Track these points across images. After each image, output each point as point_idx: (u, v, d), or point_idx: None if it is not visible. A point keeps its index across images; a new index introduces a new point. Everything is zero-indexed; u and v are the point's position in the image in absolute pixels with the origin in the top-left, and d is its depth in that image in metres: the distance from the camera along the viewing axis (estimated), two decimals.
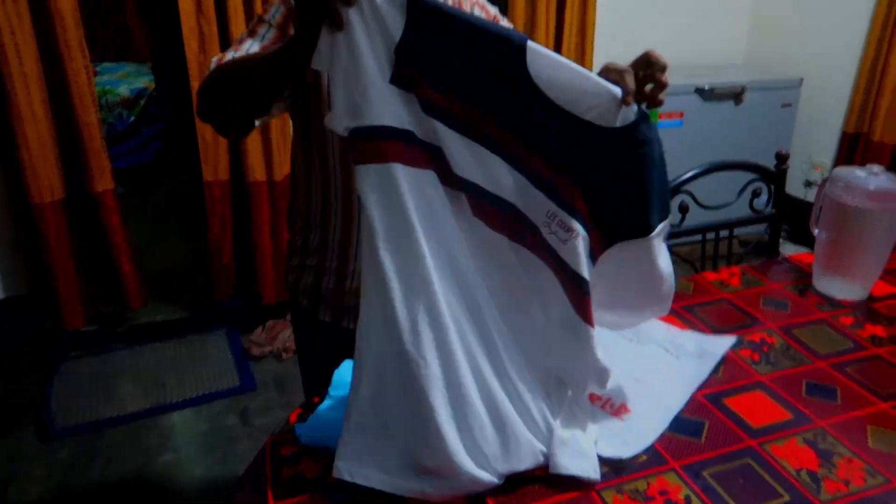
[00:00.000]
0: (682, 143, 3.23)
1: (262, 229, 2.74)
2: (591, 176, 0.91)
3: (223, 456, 2.27)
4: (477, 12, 1.31)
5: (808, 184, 3.50)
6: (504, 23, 1.31)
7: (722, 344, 1.22)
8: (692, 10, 3.54)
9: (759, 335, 1.27)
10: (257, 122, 1.17)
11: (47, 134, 2.31)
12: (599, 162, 0.91)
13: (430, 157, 0.90)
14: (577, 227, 0.91)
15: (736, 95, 3.25)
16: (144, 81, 4.54)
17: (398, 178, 0.87)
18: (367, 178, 0.87)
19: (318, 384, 1.46)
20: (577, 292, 0.93)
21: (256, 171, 2.64)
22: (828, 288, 1.43)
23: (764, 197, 1.66)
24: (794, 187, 3.45)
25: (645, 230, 0.94)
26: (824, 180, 1.41)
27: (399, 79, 0.87)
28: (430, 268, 0.87)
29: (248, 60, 1.07)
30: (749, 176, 1.70)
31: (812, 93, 3.39)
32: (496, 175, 0.92)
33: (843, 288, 1.41)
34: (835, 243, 1.40)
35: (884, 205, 1.32)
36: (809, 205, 1.67)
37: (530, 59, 0.85)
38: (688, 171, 1.63)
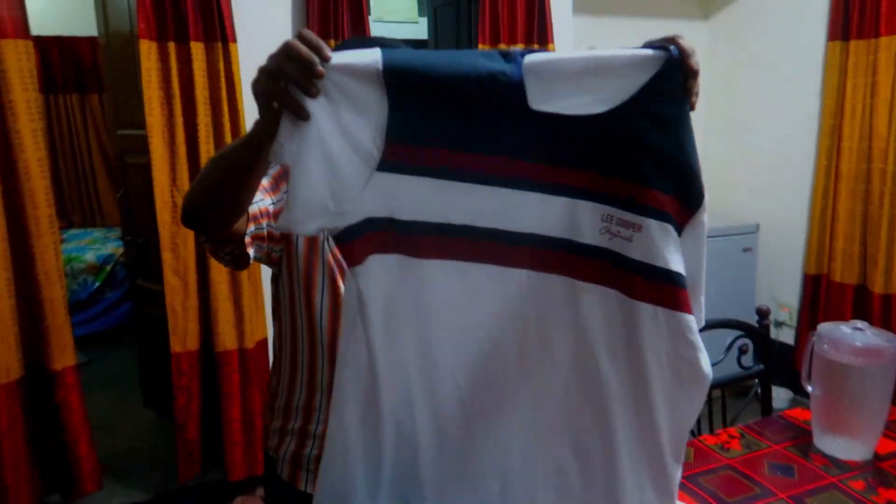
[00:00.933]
0: None
1: (231, 401, 2.61)
2: (637, 161, 0.83)
3: None
4: None
5: (778, 324, 3.54)
6: None
7: None
8: None
9: None
10: (251, 254, 1.12)
11: (8, 313, 2.22)
12: (643, 139, 0.83)
13: (416, 235, 0.84)
14: (643, 218, 0.83)
15: None
16: (112, 247, 4.52)
17: (391, 269, 0.83)
18: (362, 275, 0.83)
19: None
20: (668, 288, 0.85)
21: (227, 339, 2.56)
22: (830, 448, 1.38)
23: (750, 353, 1.65)
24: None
25: (700, 195, 0.86)
26: (813, 336, 1.41)
27: (389, 163, 0.80)
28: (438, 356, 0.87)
29: (224, 149, 1.00)
30: (732, 332, 1.70)
31: (770, 237, 3.52)
32: (508, 210, 0.84)
33: (846, 447, 1.37)
34: (830, 401, 1.37)
35: (873, 360, 1.31)
36: (783, 345, 1.66)
37: (530, 92, 0.79)
38: None
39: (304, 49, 0.76)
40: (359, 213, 0.81)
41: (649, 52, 0.82)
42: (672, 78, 0.81)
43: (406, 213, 0.83)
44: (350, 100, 0.78)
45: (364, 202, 0.81)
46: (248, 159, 0.91)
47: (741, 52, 3.68)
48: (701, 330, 1.64)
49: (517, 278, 0.87)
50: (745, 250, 3.48)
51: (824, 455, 1.38)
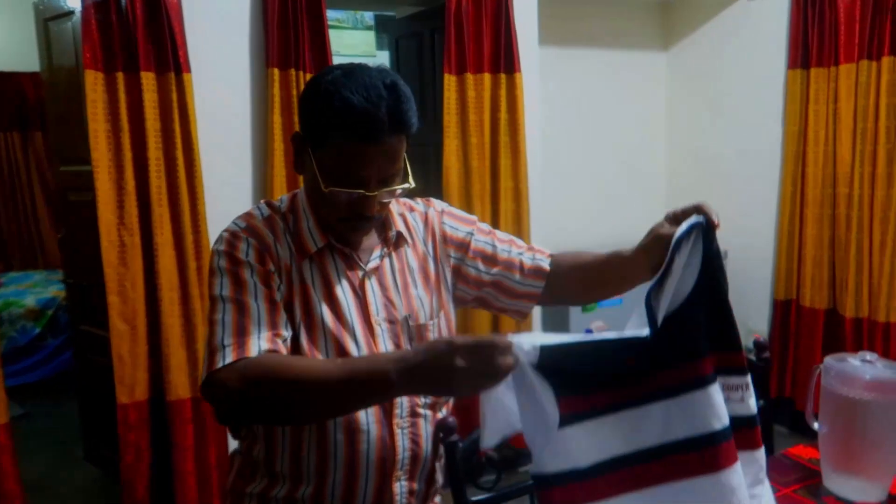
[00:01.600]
0: (624, 321, 3.19)
1: (184, 454, 2.41)
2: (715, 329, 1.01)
3: None
4: (447, 220, 1.27)
5: (749, 350, 3.50)
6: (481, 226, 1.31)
7: None
8: (613, 193, 3.74)
9: None
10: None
11: None
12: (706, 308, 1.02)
13: (595, 477, 0.92)
14: (746, 377, 1.01)
15: None
16: (53, 291, 4.26)
17: None
18: None
19: None
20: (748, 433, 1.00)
21: (180, 387, 2.37)
22: (842, 489, 1.29)
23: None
24: None
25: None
26: (817, 372, 1.32)
27: (563, 420, 0.90)
28: None
29: (322, 381, 0.93)
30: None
31: (738, 264, 3.49)
32: (661, 422, 0.95)
33: (859, 488, 1.27)
34: (840, 438, 1.28)
35: (887, 395, 1.22)
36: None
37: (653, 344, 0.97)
38: None
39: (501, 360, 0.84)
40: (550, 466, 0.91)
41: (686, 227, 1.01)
42: (709, 240, 1.01)
43: (584, 460, 0.92)
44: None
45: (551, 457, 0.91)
46: (365, 405, 1.02)
47: (702, 82, 3.71)
48: None
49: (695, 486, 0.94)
50: None
51: (837, 497, 1.28)
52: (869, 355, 1.27)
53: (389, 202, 1.14)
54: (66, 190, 2.86)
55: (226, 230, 1.11)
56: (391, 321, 1.14)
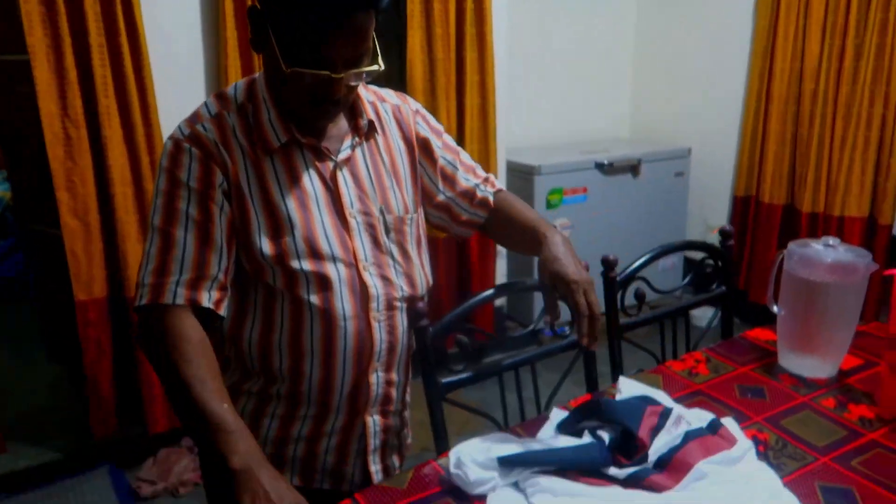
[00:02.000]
0: (588, 218, 3.22)
1: None
2: None
3: None
4: (420, 122, 1.22)
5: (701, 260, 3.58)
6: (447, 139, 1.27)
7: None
8: (578, 90, 3.67)
9: (750, 432, 1.13)
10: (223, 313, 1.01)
11: None
12: None
13: None
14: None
15: (633, 168, 3.30)
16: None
17: None
18: None
19: None
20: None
21: None
22: (796, 367, 1.34)
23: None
24: (690, 252, 3.52)
25: None
26: (780, 257, 1.34)
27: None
28: None
29: (191, 399, 0.89)
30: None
31: (701, 161, 3.52)
32: None
33: (812, 366, 1.33)
34: (798, 320, 1.32)
35: (845, 278, 1.25)
36: (705, 274, 1.62)
37: None
38: (640, 258, 1.52)
39: None
40: None
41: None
42: None
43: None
44: None
45: None
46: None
47: None
48: (666, 252, 1.56)
49: None
50: (678, 175, 3.47)
51: (791, 374, 1.34)
52: (832, 240, 1.29)
53: (357, 86, 1.07)
54: (3, 82, 2.66)
55: (170, 137, 1.02)
56: (366, 213, 1.09)
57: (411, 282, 1.14)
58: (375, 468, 1.18)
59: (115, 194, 2.25)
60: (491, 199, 1.27)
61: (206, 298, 0.97)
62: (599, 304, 1.05)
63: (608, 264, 1.43)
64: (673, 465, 0.98)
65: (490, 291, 1.34)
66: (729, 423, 1.11)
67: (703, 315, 2.93)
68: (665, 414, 1.07)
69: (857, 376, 1.33)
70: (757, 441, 1.11)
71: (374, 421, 1.15)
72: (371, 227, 1.09)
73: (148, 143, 2.27)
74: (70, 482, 2.47)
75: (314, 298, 1.03)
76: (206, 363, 0.92)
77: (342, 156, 1.08)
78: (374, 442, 1.16)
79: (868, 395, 1.26)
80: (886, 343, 1.20)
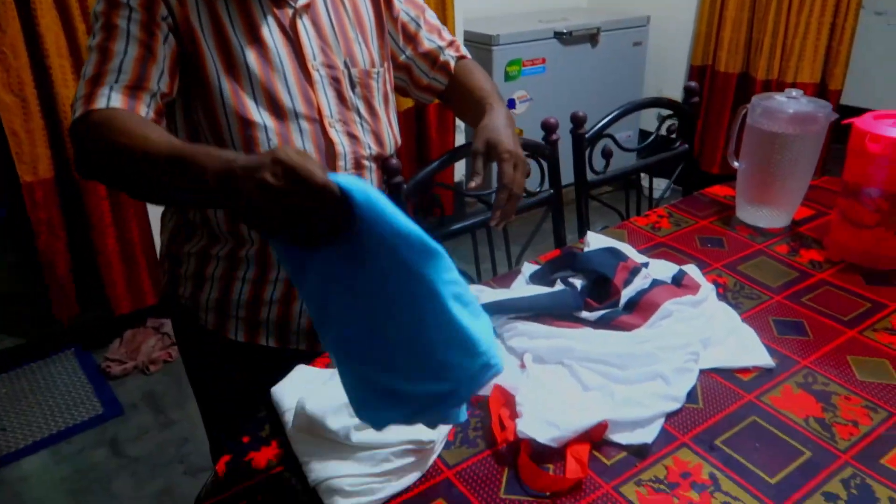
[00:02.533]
0: (546, 90, 3.19)
1: (103, 231, 2.34)
2: None
3: (98, 499, 1.94)
4: None
5: (663, 119, 3.60)
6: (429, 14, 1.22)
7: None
8: None
9: (710, 277, 1.20)
10: None
11: None
12: None
13: None
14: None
15: (592, 37, 3.24)
16: None
17: None
18: None
19: (225, 418, 1.22)
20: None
21: None
22: (753, 218, 1.40)
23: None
24: (648, 123, 3.54)
25: None
26: (742, 112, 1.36)
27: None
28: None
29: (148, 156, 0.78)
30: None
31: (659, 30, 3.47)
32: None
33: (767, 216, 1.39)
34: (757, 172, 1.36)
35: (804, 128, 1.29)
36: (664, 138, 1.65)
37: None
38: (608, 115, 1.52)
39: None
40: None
41: None
42: None
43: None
44: None
45: None
46: (190, 197, 0.84)
47: None
48: (634, 109, 1.56)
49: None
50: (636, 44, 3.43)
51: (748, 225, 1.40)
52: (795, 92, 1.31)
53: None
54: None
55: None
56: (330, 66, 1.04)
57: (379, 140, 1.11)
58: None
59: (51, 66, 2.10)
60: (452, 64, 1.22)
61: (145, 112, 0.89)
62: (524, 187, 1.04)
63: (577, 121, 1.44)
64: (641, 306, 1.03)
65: (451, 152, 1.32)
66: (691, 269, 1.17)
67: (658, 187, 3.00)
68: (635, 271, 1.11)
69: (808, 225, 1.40)
70: (717, 284, 1.17)
71: None
72: (335, 81, 1.04)
73: (81, 7, 2.10)
74: (37, 364, 2.49)
75: None
76: (156, 129, 0.84)
77: (302, 1, 1.01)
78: None
79: (818, 241, 1.33)
80: (841, 190, 1.25)
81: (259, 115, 0.97)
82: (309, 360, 1.02)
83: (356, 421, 0.80)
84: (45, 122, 2.17)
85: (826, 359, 0.99)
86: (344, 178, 0.60)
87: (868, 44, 3.24)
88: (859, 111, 1.27)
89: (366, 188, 0.60)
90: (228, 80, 0.96)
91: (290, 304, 1.12)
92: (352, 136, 1.06)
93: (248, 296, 1.09)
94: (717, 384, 0.95)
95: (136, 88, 0.89)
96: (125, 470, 2.03)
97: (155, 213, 2.49)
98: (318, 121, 1.02)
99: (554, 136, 1.39)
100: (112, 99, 0.86)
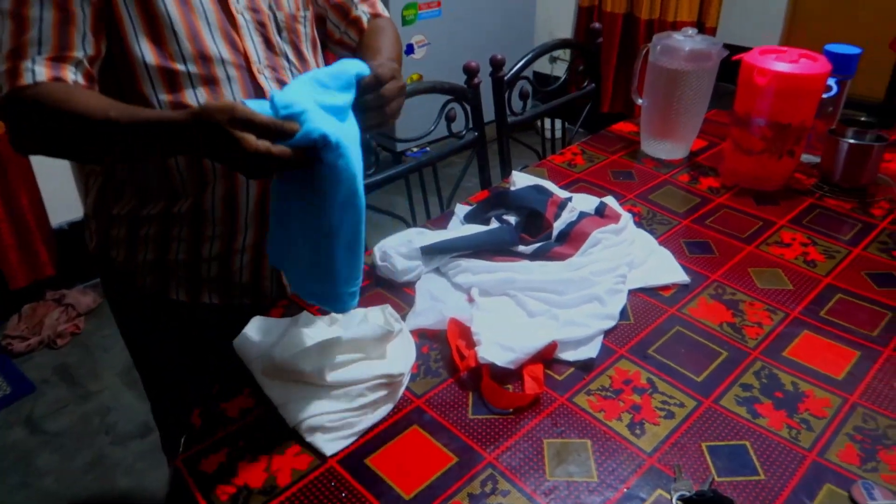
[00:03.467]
0: (443, 33, 3.20)
1: None
2: None
3: (23, 479, 1.87)
4: None
5: (553, 59, 3.72)
6: None
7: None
8: None
9: (626, 207, 1.31)
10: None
11: None
12: None
13: None
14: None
15: None
16: None
17: None
18: None
19: (172, 381, 1.21)
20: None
21: None
22: (656, 151, 1.52)
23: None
24: (539, 64, 3.65)
25: None
26: (644, 51, 1.46)
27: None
28: None
29: (98, 128, 0.78)
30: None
31: None
32: None
33: (669, 149, 1.51)
34: (658, 108, 1.48)
35: (700, 64, 1.40)
36: (556, 79, 1.74)
37: None
38: (524, 57, 1.58)
39: None
40: None
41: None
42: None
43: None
44: None
45: None
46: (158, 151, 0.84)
47: None
48: (546, 51, 1.60)
49: None
50: None
51: (652, 158, 1.52)
52: (690, 31, 1.42)
53: None
54: None
55: None
56: (255, 10, 1.01)
57: None
58: None
59: None
60: (365, 20, 1.18)
61: (73, 80, 0.86)
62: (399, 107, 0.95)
63: (496, 64, 1.49)
64: (572, 237, 1.12)
65: None
66: (610, 200, 1.27)
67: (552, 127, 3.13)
68: (562, 205, 1.20)
69: (704, 155, 1.54)
70: (633, 213, 1.28)
71: None
72: (262, 26, 1.01)
73: None
74: None
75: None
76: (91, 98, 0.84)
77: None
78: None
79: (713, 170, 1.47)
80: (732, 121, 1.39)
81: (185, 65, 0.94)
82: (253, 313, 1.03)
83: (328, 361, 0.85)
84: None
85: (731, 272, 1.13)
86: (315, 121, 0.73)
87: None
88: (732, 47, 1.40)
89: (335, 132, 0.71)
90: (150, 38, 0.92)
91: (231, 258, 1.10)
92: (281, 83, 1.05)
93: (186, 255, 1.07)
94: (644, 302, 1.06)
95: (59, 59, 0.85)
96: (48, 446, 1.96)
97: (45, 179, 2.35)
98: (246, 67, 1.00)
99: (476, 80, 1.44)
100: (37, 73, 0.83)
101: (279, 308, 1.05)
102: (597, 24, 1.73)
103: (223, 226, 1.06)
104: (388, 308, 0.96)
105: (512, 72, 1.55)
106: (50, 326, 2.37)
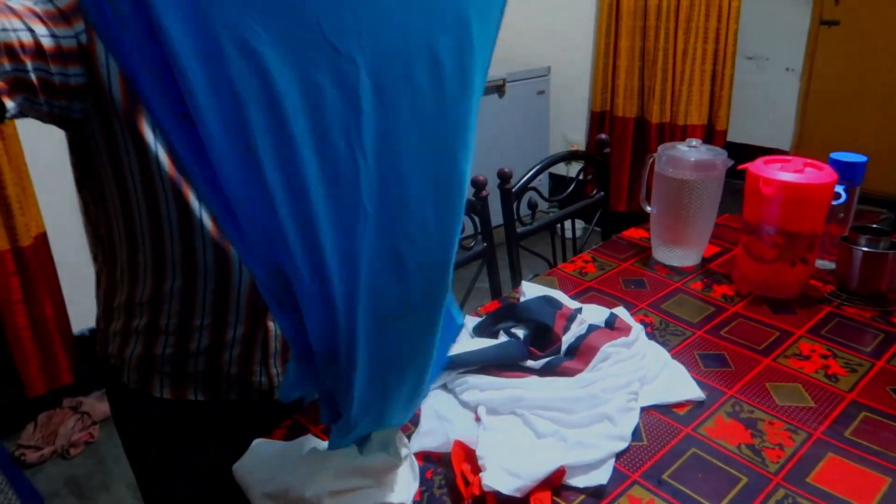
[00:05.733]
0: None
1: (12, 309, 2.22)
2: None
3: None
4: None
5: (569, 162, 3.80)
6: None
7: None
8: None
9: (638, 317, 1.29)
10: (9, 108, 0.79)
11: None
12: None
13: None
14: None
15: (498, 88, 3.40)
16: None
17: None
18: None
19: (164, 488, 1.18)
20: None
21: None
22: (668, 258, 1.51)
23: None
24: (557, 167, 3.72)
25: None
26: (650, 160, 1.48)
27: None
28: None
29: None
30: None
31: (560, 79, 3.68)
32: None
33: (681, 256, 1.50)
34: (668, 216, 1.48)
35: (706, 174, 1.42)
36: (571, 180, 1.77)
37: None
38: (531, 169, 1.62)
39: None
40: None
41: None
42: None
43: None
44: None
45: None
46: None
47: None
48: (554, 162, 1.65)
49: None
50: (539, 93, 3.62)
51: (664, 265, 1.51)
52: (694, 142, 1.44)
53: None
54: None
55: None
56: None
57: None
58: (276, 371, 1.12)
59: None
60: None
61: None
62: None
63: (504, 177, 1.52)
64: (581, 351, 1.10)
65: None
66: (621, 311, 1.25)
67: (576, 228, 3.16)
68: (571, 318, 1.19)
69: (717, 261, 1.53)
70: (645, 324, 1.26)
71: (276, 325, 1.08)
72: None
73: None
74: None
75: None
76: None
77: None
78: (275, 345, 1.10)
79: (727, 276, 1.46)
80: (742, 228, 1.38)
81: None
82: (239, 409, 1.03)
83: (329, 487, 0.82)
84: None
85: (748, 387, 1.09)
86: None
87: (743, 84, 3.56)
88: (743, 147, 1.42)
89: None
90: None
91: (220, 353, 1.06)
92: None
93: (174, 349, 1.03)
94: (658, 420, 1.02)
95: None
96: None
97: (70, 285, 2.39)
98: None
99: (484, 193, 1.47)
100: None
101: (282, 429, 1.02)
102: (604, 136, 1.77)
103: (212, 316, 1.03)
104: (399, 432, 0.93)
105: (520, 184, 1.58)
106: (64, 436, 2.35)
